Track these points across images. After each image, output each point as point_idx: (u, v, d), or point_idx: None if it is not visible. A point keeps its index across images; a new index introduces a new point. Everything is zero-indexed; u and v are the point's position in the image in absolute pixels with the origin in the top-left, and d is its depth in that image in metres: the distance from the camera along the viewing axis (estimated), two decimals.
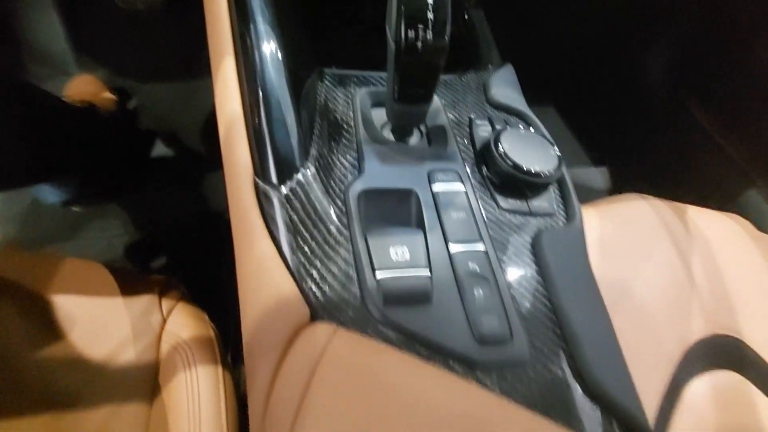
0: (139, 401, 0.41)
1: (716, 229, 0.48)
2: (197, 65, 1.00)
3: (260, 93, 0.25)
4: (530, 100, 0.37)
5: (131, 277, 0.51)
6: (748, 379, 0.40)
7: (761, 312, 0.43)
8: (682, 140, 0.74)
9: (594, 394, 0.19)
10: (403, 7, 0.22)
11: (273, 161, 0.25)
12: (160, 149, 1.03)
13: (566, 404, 0.19)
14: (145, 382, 0.41)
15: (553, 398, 0.19)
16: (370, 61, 0.27)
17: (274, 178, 0.24)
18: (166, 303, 0.51)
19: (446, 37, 0.22)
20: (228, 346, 0.51)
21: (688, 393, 0.39)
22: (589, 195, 0.47)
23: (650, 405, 0.37)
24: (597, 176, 0.85)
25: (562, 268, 0.23)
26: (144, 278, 0.53)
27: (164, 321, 0.49)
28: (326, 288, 0.21)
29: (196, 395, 0.37)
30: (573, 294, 0.22)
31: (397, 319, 0.19)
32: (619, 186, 0.79)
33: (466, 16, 0.38)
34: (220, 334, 0.50)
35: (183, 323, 0.49)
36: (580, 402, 0.19)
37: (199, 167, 1.01)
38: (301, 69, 0.27)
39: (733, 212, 0.50)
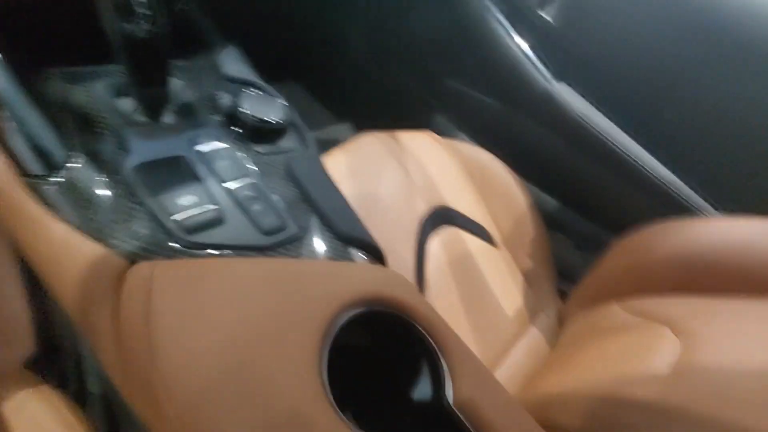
0: None
1: (419, 142, 0.69)
2: None
3: None
4: (269, 76, 0.46)
5: None
6: (457, 226, 0.63)
7: (455, 186, 0.67)
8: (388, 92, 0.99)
9: (345, 238, 0.31)
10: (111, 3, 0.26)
11: (34, 156, 0.25)
12: None
13: (332, 249, 0.30)
14: None
15: (322, 250, 0.29)
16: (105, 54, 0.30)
17: (41, 171, 0.25)
18: None
19: (159, 27, 0.28)
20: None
21: (429, 247, 0.58)
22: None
23: (409, 258, 0.54)
24: (342, 130, 1.06)
25: (309, 178, 0.33)
26: None
27: None
28: (134, 241, 0.25)
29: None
30: (319, 189, 0.33)
31: (202, 240, 0.26)
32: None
33: (182, 8, 0.43)
34: None
35: None
36: (337, 246, 0.30)
37: None
38: (30, 72, 0.27)
39: (426, 130, 0.73)
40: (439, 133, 0.76)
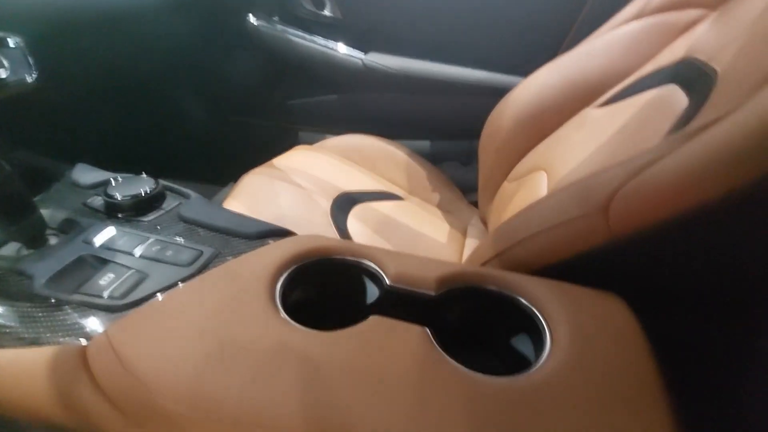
0: None
1: (294, 158, 0.75)
2: None
3: None
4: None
5: None
6: (363, 201, 0.70)
7: (344, 174, 0.74)
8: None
9: (255, 236, 0.36)
10: None
11: None
12: None
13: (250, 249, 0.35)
14: None
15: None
16: None
17: None
18: None
19: (6, 170, 0.31)
20: None
21: (350, 229, 0.64)
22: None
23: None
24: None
25: (201, 214, 0.38)
26: None
27: None
28: (79, 332, 0.27)
29: None
30: (214, 217, 0.38)
31: (136, 298, 0.29)
32: None
33: None
34: None
35: None
36: (253, 244, 0.35)
37: None
38: None
39: (295, 147, 0.80)
40: (309, 143, 0.83)
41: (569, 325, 0.25)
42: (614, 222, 0.29)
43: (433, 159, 0.85)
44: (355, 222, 0.66)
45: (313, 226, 0.61)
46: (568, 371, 0.22)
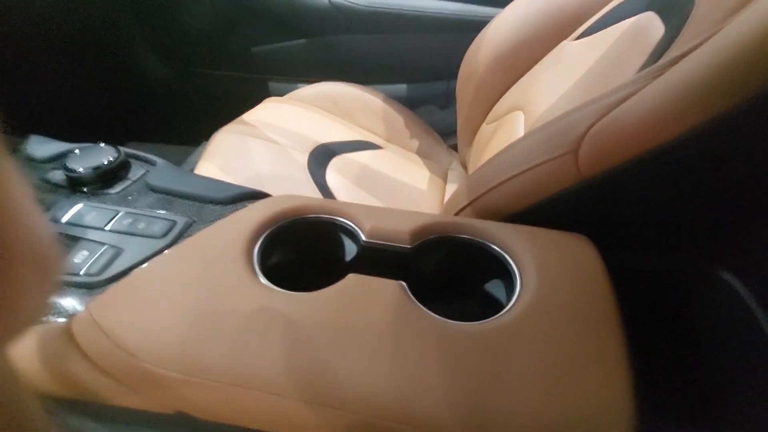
0: None
1: (265, 112, 0.73)
2: None
3: None
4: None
5: None
6: (341, 153, 0.69)
7: (319, 125, 0.72)
8: None
9: (229, 200, 0.35)
10: None
11: None
12: None
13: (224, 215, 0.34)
14: None
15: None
16: None
17: None
18: None
19: None
20: None
21: (329, 182, 0.64)
22: None
23: (316, 196, 0.59)
24: None
25: (171, 182, 0.37)
26: None
27: None
28: (61, 312, 0.27)
29: None
30: (185, 184, 0.37)
31: (113, 273, 0.29)
32: None
33: None
34: None
35: None
36: (228, 209, 0.35)
37: None
38: None
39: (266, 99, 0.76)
40: (279, 95, 0.80)
41: (537, 267, 0.26)
42: (583, 163, 0.29)
43: (410, 103, 0.82)
44: (334, 175, 0.65)
45: (291, 182, 0.61)
46: (534, 312, 0.24)
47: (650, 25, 0.40)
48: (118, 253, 0.30)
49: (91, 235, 0.32)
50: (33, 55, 0.73)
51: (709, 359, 0.28)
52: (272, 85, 0.95)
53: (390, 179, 0.69)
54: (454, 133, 0.77)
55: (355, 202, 0.64)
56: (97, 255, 0.30)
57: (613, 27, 0.46)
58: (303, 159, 0.65)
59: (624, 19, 0.44)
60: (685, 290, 0.30)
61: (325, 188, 0.63)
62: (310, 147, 0.67)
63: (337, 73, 0.83)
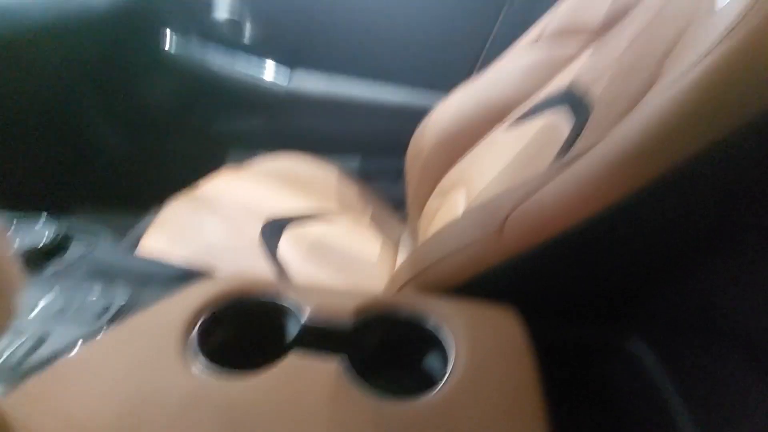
0: None
1: (220, 183, 0.74)
2: None
3: None
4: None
5: None
6: (294, 226, 0.70)
7: (273, 196, 0.73)
8: None
9: (168, 281, 0.35)
10: None
11: None
12: None
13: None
14: None
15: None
16: None
17: None
18: None
19: None
20: None
21: (281, 256, 0.64)
22: None
23: (267, 270, 0.59)
24: None
25: (111, 261, 0.36)
26: None
27: None
28: None
29: None
30: (125, 264, 0.36)
31: (34, 363, 0.27)
32: None
33: None
34: None
35: None
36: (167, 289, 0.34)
37: None
38: None
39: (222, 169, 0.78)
40: (236, 163, 0.82)
41: (468, 341, 0.28)
42: (506, 242, 0.32)
43: (363, 175, 0.87)
44: (286, 247, 0.66)
45: (242, 255, 0.60)
46: (462, 389, 0.25)
47: (560, 121, 0.47)
48: (43, 339, 0.29)
49: (16, 322, 0.30)
50: None
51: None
52: (230, 152, 0.98)
53: (342, 250, 0.70)
54: (405, 204, 0.81)
55: (307, 274, 0.64)
56: (19, 343, 0.28)
57: (533, 120, 0.53)
58: (255, 230, 0.65)
59: (541, 113, 0.52)
60: (600, 361, 0.32)
61: (277, 261, 0.63)
62: (264, 218, 0.68)
63: (293, 145, 0.86)
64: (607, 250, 0.32)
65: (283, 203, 0.74)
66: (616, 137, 0.30)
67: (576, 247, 0.31)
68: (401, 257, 0.75)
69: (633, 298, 0.34)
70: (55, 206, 0.41)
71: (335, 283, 0.66)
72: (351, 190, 0.82)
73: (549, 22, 0.63)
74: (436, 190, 0.70)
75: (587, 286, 0.33)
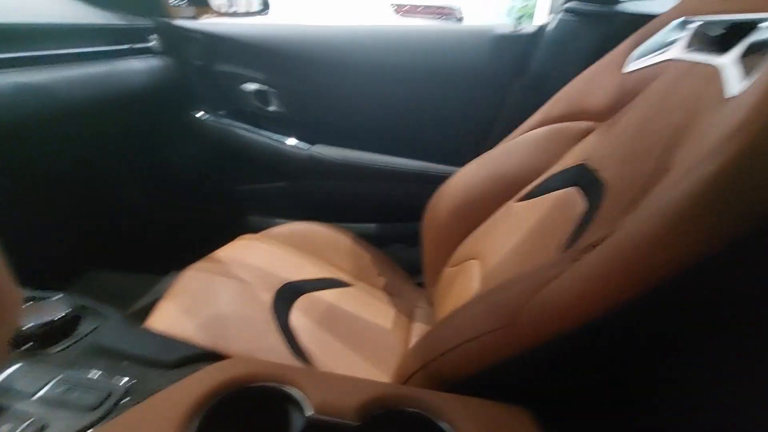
0: None
1: (236, 249, 0.75)
2: None
3: None
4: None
5: None
6: (308, 291, 0.70)
7: (289, 262, 0.74)
8: None
9: (174, 364, 0.34)
10: None
11: None
12: None
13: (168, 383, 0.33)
14: None
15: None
16: None
17: None
18: None
19: None
20: None
21: (293, 323, 0.63)
22: None
23: (279, 344, 0.58)
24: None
25: (118, 341, 0.36)
26: None
27: None
28: None
29: None
30: (132, 344, 0.36)
31: None
32: None
33: None
34: None
35: None
36: (171, 374, 0.34)
37: None
38: None
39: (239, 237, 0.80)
40: (256, 231, 0.83)
41: None
42: (522, 334, 0.31)
43: (379, 241, 0.87)
44: (298, 315, 0.65)
45: (252, 324, 0.60)
46: None
47: (573, 198, 0.47)
48: (42, 428, 0.28)
49: (19, 404, 0.30)
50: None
51: None
52: (250, 219, 1.01)
53: (355, 318, 0.69)
54: (421, 270, 0.80)
55: (319, 342, 0.62)
56: (19, 430, 0.28)
57: (546, 196, 0.53)
58: (269, 298, 0.65)
59: (554, 190, 0.52)
60: None
61: (288, 330, 0.62)
62: (278, 285, 0.68)
63: (311, 211, 0.89)
64: (621, 348, 0.30)
65: (297, 269, 0.74)
66: (630, 229, 0.30)
67: (589, 343, 0.30)
68: (417, 325, 0.72)
69: (656, 407, 0.32)
70: (75, 273, 0.42)
71: (347, 354, 0.64)
72: (367, 256, 0.82)
73: (556, 102, 0.65)
74: (452, 259, 0.69)
75: (601, 387, 0.31)
